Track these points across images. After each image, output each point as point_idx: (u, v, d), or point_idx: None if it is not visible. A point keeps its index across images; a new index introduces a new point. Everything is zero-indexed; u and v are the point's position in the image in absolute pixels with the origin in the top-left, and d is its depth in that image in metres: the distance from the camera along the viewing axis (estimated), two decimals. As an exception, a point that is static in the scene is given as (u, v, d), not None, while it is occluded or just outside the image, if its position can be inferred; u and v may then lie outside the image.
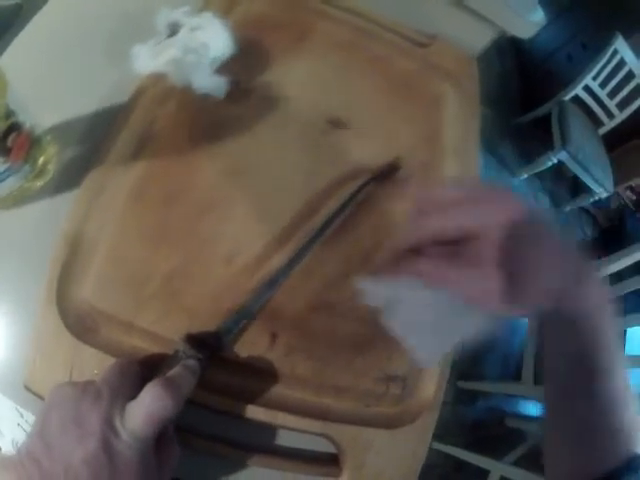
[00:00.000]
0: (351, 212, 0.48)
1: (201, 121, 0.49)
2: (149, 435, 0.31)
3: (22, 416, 0.39)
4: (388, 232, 0.49)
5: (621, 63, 2.19)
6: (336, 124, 0.53)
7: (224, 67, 0.50)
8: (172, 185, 0.45)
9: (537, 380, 1.44)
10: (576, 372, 0.36)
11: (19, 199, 0.43)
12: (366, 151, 0.53)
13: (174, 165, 0.46)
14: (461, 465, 1.47)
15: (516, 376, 1.60)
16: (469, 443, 1.46)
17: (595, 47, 2.25)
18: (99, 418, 0.29)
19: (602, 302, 0.35)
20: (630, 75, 2.23)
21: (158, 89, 0.48)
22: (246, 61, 0.52)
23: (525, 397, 1.69)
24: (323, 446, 0.43)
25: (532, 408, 1.96)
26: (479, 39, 0.74)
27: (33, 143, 0.41)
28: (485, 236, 0.30)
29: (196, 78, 0.47)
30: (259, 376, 0.42)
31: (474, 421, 1.79)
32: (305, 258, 0.44)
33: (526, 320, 1.61)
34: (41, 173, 0.43)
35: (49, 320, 0.38)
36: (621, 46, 2.13)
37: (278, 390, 0.42)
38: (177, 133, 0.47)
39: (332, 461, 0.43)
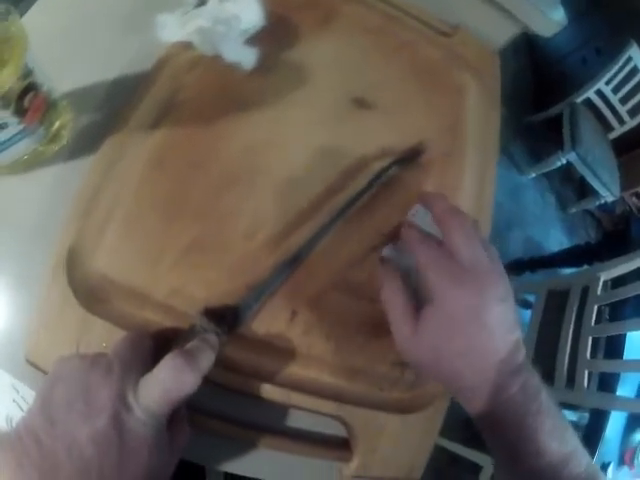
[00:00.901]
0: (374, 193, 0.48)
1: (227, 93, 0.48)
2: (165, 412, 0.29)
3: (18, 392, 0.37)
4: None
5: (635, 70, 2.20)
6: (361, 104, 0.53)
7: (253, 39, 0.49)
8: (193, 156, 0.44)
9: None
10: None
11: (32, 163, 0.41)
12: (390, 133, 0.53)
13: (196, 135, 0.45)
14: (455, 459, 1.48)
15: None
16: (464, 438, 1.46)
17: (609, 53, 2.26)
18: (110, 393, 0.28)
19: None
20: None
21: (184, 58, 0.47)
22: (274, 36, 0.51)
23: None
24: (335, 430, 0.43)
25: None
26: (500, 34, 0.72)
27: (49, 106, 0.40)
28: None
29: (225, 48, 0.46)
30: (275, 354, 0.41)
31: (468, 416, 1.79)
32: (327, 237, 0.44)
33: (527, 313, 1.60)
34: (55, 138, 0.42)
35: (57, 289, 0.36)
36: (635, 53, 2.14)
37: (293, 369, 0.41)
38: (201, 104, 0.46)
39: (343, 445, 0.43)
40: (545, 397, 0.34)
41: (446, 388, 0.38)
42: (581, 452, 0.34)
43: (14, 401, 0.37)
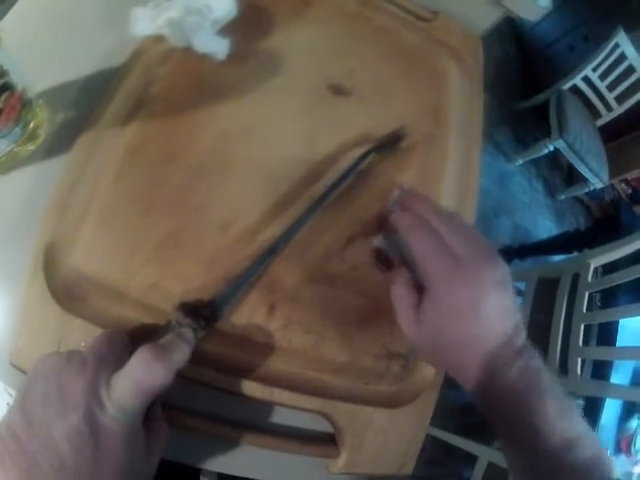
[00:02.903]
0: (353, 181, 0.47)
1: (200, 83, 0.47)
2: (137, 407, 0.29)
3: (11, 396, 0.37)
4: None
5: (621, 57, 2.21)
6: (338, 91, 0.52)
7: (225, 29, 0.48)
8: (167, 148, 0.43)
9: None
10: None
11: (8, 164, 0.41)
12: (369, 119, 0.52)
13: (170, 128, 0.44)
14: (450, 449, 1.47)
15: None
16: (458, 427, 1.46)
17: (596, 39, 2.27)
18: (83, 389, 0.27)
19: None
20: (630, 69, 2.24)
21: (156, 51, 0.47)
22: (248, 24, 0.50)
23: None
24: (321, 426, 0.42)
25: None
26: (484, 18, 0.72)
27: (25, 105, 0.39)
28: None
29: (197, 39, 0.46)
30: (255, 349, 0.40)
31: (463, 405, 1.79)
32: (305, 226, 0.43)
33: (517, 301, 1.60)
34: (32, 137, 0.42)
35: (35, 290, 0.36)
36: (622, 40, 2.15)
37: (275, 365, 0.40)
38: (175, 95, 0.46)
39: (330, 441, 0.42)
40: (547, 378, 0.34)
41: (449, 374, 0.38)
42: (589, 437, 0.33)
43: (8, 404, 0.36)
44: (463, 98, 0.60)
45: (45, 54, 0.46)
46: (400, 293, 0.37)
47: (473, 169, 0.56)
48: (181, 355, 0.31)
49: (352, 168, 0.47)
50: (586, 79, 2.30)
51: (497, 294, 0.34)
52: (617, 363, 1.56)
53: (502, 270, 0.35)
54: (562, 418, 0.33)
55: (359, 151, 0.48)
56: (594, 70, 2.26)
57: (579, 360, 1.30)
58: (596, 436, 0.34)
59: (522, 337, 0.35)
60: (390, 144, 0.51)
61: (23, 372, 0.35)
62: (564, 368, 1.31)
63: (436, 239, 0.35)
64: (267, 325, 0.41)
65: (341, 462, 0.41)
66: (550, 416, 0.32)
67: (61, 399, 0.27)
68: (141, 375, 0.28)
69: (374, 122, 0.52)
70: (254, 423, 0.41)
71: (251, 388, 0.38)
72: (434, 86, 0.59)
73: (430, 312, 0.35)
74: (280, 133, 0.48)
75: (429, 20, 0.63)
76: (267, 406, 0.41)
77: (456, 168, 0.55)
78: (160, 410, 0.33)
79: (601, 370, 1.51)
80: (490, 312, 0.34)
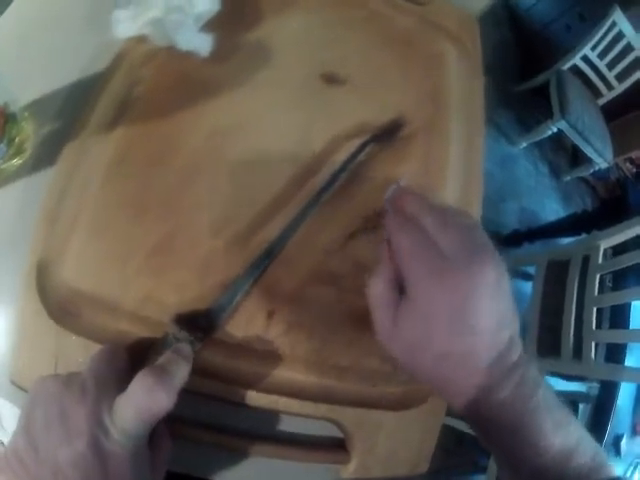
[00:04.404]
0: (351, 174, 0.45)
1: (185, 82, 0.46)
2: (141, 432, 0.28)
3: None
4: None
5: (620, 35, 2.20)
6: (331, 80, 0.51)
7: (209, 25, 0.47)
8: (154, 151, 0.42)
9: (540, 353, 1.42)
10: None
11: None
12: (365, 108, 0.51)
13: (156, 130, 0.43)
14: (462, 439, 1.47)
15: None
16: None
17: (593, 18, 2.26)
18: (86, 416, 0.27)
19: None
20: (629, 47, 2.24)
21: (139, 52, 0.46)
22: (233, 18, 0.49)
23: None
24: (330, 431, 0.41)
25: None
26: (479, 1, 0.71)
27: (8, 120, 0.39)
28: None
29: (180, 37, 0.45)
30: (256, 358, 0.39)
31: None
32: (302, 225, 0.41)
33: (528, 285, 1.58)
34: (18, 152, 0.41)
35: (30, 307, 0.35)
36: (619, 18, 2.15)
37: (278, 372, 0.39)
38: (159, 96, 0.45)
39: (340, 447, 0.41)
40: (544, 391, 0.31)
41: (433, 390, 0.35)
42: (587, 441, 0.31)
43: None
44: (462, 81, 0.58)
45: (27, 66, 0.45)
46: (377, 290, 0.33)
47: (477, 154, 0.54)
48: (181, 374, 0.30)
49: (349, 160, 0.45)
50: (585, 58, 2.28)
51: (489, 301, 0.30)
52: (631, 346, 1.54)
53: (497, 272, 0.30)
54: (559, 431, 0.30)
55: (356, 143, 0.47)
56: (593, 49, 2.24)
57: (593, 344, 1.28)
58: (592, 440, 0.32)
59: (518, 350, 0.31)
60: (388, 133, 0.49)
61: (23, 390, 0.34)
62: (578, 352, 1.30)
63: (420, 236, 0.31)
64: (267, 332, 0.39)
65: (352, 467, 0.40)
66: (547, 431, 0.30)
67: (64, 426, 0.27)
68: (144, 401, 0.28)
69: (371, 111, 0.51)
70: (260, 432, 0.40)
71: (254, 397, 0.37)
72: (431, 70, 0.58)
73: (408, 318, 0.31)
74: (272, 128, 0.47)
75: (423, 4, 0.61)
76: (272, 414, 0.40)
77: (459, 153, 0.53)
78: (163, 425, 0.32)
79: (615, 353, 1.49)
80: (481, 322, 0.29)
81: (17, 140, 0.41)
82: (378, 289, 0.33)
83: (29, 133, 0.42)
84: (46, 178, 0.40)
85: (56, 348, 0.35)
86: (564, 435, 0.30)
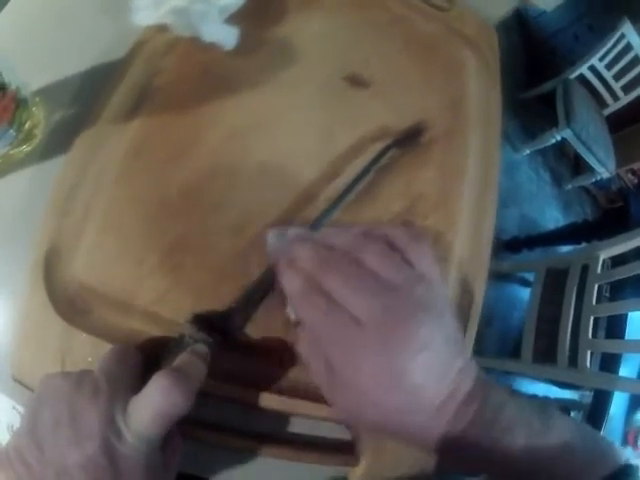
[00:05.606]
0: (373, 178, 0.45)
1: (208, 76, 0.45)
2: (156, 435, 0.28)
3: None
4: (411, 200, 0.46)
5: (628, 47, 2.20)
6: (355, 82, 0.50)
7: (233, 17, 0.46)
8: (173, 145, 0.41)
9: (535, 359, 1.43)
10: None
11: (3, 168, 0.39)
12: (388, 112, 0.50)
13: (176, 123, 0.42)
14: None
15: (514, 353, 1.58)
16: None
17: (601, 29, 2.27)
18: (98, 417, 0.26)
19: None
20: (637, 59, 2.24)
21: (160, 41, 0.45)
22: (257, 12, 0.48)
23: (523, 375, 1.66)
24: (339, 433, 0.41)
25: (530, 386, 1.94)
26: (498, 9, 0.71)
27: (19, 105, 0.38)
28: None
29: (204, 28, 0.44)
30: (273, 361, 0.38)
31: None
32: (323, 228, 0.40)
33: (526, 291, 1.58)
34: (28, 138, 0.40)
35: (36, 303, 0.34)
36: (628, 30, 2.15)
37: (293, 375, 0.38)
38: (180, 88, 0.43)
39: (349, 449, 0.40)
40: (511, 409, 0.30)
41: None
42: (578, 440, 0.30)
43: (14, 408, 0.36)
44: (481, 90, 0.58)
45: (41, 50, 0.44)
46: (304, 353, 0.33)
47: (493, 164, 0.54)
48: (199, 376, 0.30)
49: (372, 163, 0.45)
50: (592, 68, 2.28)
51: (423, 355, 0.28)
52: (626, 356, 1.55)
53: (429, 323, 0.28)
54: (537, 441, 0.29)
55: (378, 146, 0.46)
56: (601, 60, 2.24)
57: (588, 353, 1.29)
58: (588, 433, 0.32)
59: (470, 380, 0.30)
60: (410, 138, 0.49)
61: (26, 387, 0.33)
62: (574, 360, 1.31)
63: (323, 304, 0.29)
64: (285, 335, 0.38)
65: (360, 470, 0.39)
66: (523, 445, 0.29)
67: (74, 427, 0.26)
68: (160, 403, 0.27)
69: (393, 115, 0.50)
70: (269, 433, 0.39)
71: (268, 399, 0.37)
72: (452, 77, 0.57)
73: (339, 391, 0.30)
74: (295, 128, 0.46)
75: (445, 10, 0.61)
76: (284, 416, 0.39)
77: (476, 163, 0.53)
78: (175, 427, 0.31)
79: (610, 363, 1.50)
80: (416, 380, 0.28)
81: (27, 125, 0.39)
82: (304, 351, 0.33)
83: (40, 119, 0.41)
84: (56, 167, 0.39)
85: (62, 346, 0.34)
86: (542, 442, 0.29)
